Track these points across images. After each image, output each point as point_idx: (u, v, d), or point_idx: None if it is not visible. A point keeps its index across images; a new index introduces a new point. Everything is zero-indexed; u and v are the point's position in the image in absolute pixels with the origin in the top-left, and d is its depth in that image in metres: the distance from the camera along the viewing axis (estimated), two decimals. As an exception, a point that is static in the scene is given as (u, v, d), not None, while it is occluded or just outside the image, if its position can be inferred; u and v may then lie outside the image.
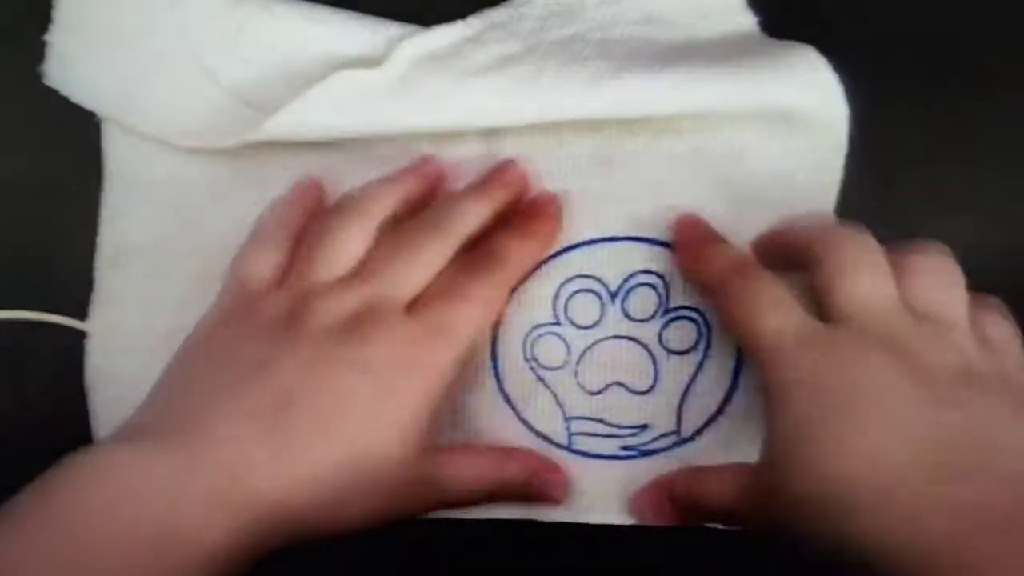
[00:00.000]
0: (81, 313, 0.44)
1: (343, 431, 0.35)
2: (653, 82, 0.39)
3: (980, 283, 0.41)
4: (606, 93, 0.39)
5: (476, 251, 0.40)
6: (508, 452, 0.40)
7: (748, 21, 0.42)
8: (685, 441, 0.41)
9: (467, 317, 0.38)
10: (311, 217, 0.40)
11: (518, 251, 0.40)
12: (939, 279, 0.35)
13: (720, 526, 0.39)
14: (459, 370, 0.38)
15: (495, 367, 0.41)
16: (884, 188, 0.43)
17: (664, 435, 0.41)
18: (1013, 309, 0.41)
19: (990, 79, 0.44)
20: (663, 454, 0.41)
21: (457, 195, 0.41)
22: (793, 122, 0.41)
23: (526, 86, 0.40)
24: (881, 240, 0.38)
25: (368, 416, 0.35)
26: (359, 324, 0.36)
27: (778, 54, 0.40)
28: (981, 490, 0.30)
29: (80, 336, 0.44)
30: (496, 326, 0.41)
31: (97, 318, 0.44)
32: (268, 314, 0.37)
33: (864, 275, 0.35)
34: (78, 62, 0.43)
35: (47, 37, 0.43)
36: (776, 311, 0.35)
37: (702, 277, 0.39)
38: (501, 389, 0.41)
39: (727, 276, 0.37)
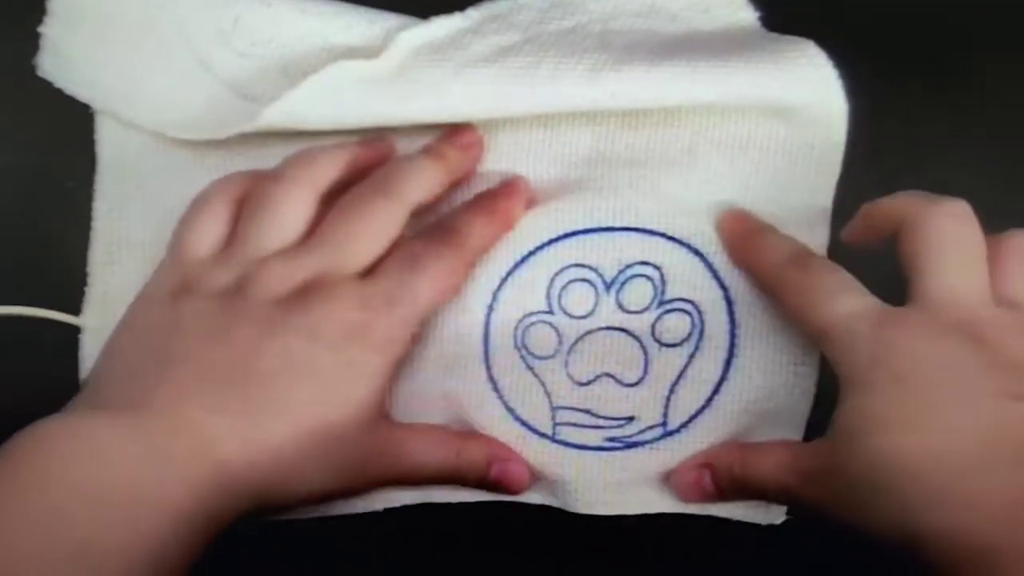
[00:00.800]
0: (76, 308, 0.44)
1: (299, 400, 0.34)
2: (652, 74, 0.39)
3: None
4: (605, 85, 0.39)
5: (436, 224, 0.39)
6: (470, 435, 0.40)
7: (749, 16, 0.42)
8: (671, 433, 0.40)
9: (423, 289, 0.37)
10: (252, 183, 0.39)
11: (480, 228, 0.39)
12: None
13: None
14: (412, 346, 0.38)
15: (485, 353, 0.41)
16: (885, 186, 0.41)
17: (650, 427, 0.40)
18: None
19: (992, 76, 0.44)
20: (648, 446, 0.40)
21: (409, 156, 0.40)
22: (792, 118, 0.41)
23: (524, 77, 0.40)
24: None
25: (323, 385, 0.35)
26: (309, 292, 0.35)
27: (779, 48, 0.40)
28: None
29: (75, 331, 0.44)
30: (488, 312, 0.41)
31: (92, 314, 0.43)
32: (214, 284, 0.36)
33: (956, 258, 0.34)
34: (73, 54, 0.43)
35: (41, 29, 0.43)
36: (846, 295, 0.35)
37: (757, 270, 0.39)
38: (490, 376, 0.40)
39: (785, 267, 0.37)
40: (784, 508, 0.41)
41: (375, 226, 0.38)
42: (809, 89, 0.40)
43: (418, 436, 0.38)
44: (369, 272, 0.37)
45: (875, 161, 0.43)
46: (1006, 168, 0.44)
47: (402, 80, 0.40)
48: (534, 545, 0.43)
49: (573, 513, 0.40)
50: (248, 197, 0.38)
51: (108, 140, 0.44)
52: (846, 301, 0.34)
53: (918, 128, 0.44)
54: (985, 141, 0.44)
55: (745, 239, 0.39)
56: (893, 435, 0.32)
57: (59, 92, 0.43)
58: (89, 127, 0.44)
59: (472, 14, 0.42)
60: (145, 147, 0.43)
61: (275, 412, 0.34)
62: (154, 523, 0.31)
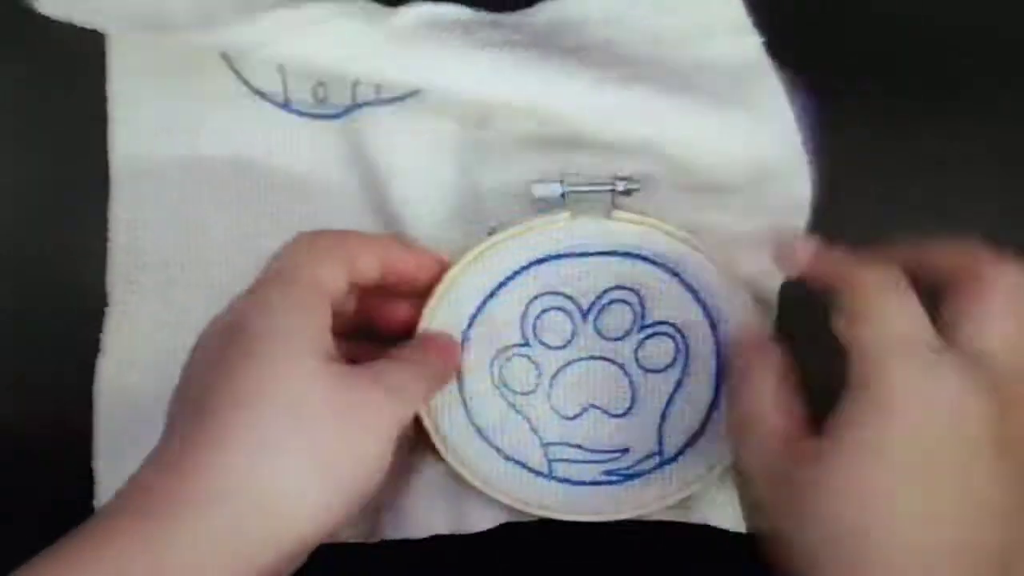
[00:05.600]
0: (81, 320, 0.42)
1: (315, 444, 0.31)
2: (651, 103, 0.39)
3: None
4: (609, 96, 0.38)
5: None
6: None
7: (753, 41, 0.42)
8: (669, 461, 0.38)
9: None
10: None
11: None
12: None
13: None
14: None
15: (462, 396, 0.38)
16: (882, 203, 0.43)
17: (647, 457, 0.38)
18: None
19: (989, 94, 0.44)
20: (646, 476, 0.38)
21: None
22: (763, 174, 0.40)
23: (529, 68, 0.38)
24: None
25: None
26: None
27: (760, 104, 0.41)
28: None
29: (93, 347, 0.42)
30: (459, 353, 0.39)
31: (111, 333, 0.42)
32: None
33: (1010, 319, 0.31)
34: None
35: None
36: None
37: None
38: (471, 420, 0.38)
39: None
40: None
41: None
42: (779, 152, 0.40)
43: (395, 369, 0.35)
44: None
45: (873, 178, 0.43)
46: (1003, 185, 0.44)
47: (405, 40, 0.39)
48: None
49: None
50: None
51: (121, 161, 0.43)
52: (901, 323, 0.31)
53: (915, 145, 0.44)
54: (982, 158, 0.44)
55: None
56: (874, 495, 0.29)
57: (67, 106, 0.43)
58: (96, 142, 0.43)
59: (483, 14, 0.41)
60: (158, 170, 0.42)
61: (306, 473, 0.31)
62: None
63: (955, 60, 0.44)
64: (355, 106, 0.42)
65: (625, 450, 0.39)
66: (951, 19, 0.44)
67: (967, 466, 0.29)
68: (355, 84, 0.42)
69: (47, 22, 0.40)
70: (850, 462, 0.29)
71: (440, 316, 0.38)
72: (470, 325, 0.38)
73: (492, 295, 0.38)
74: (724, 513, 0.39)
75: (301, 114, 0.43)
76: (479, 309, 0.38)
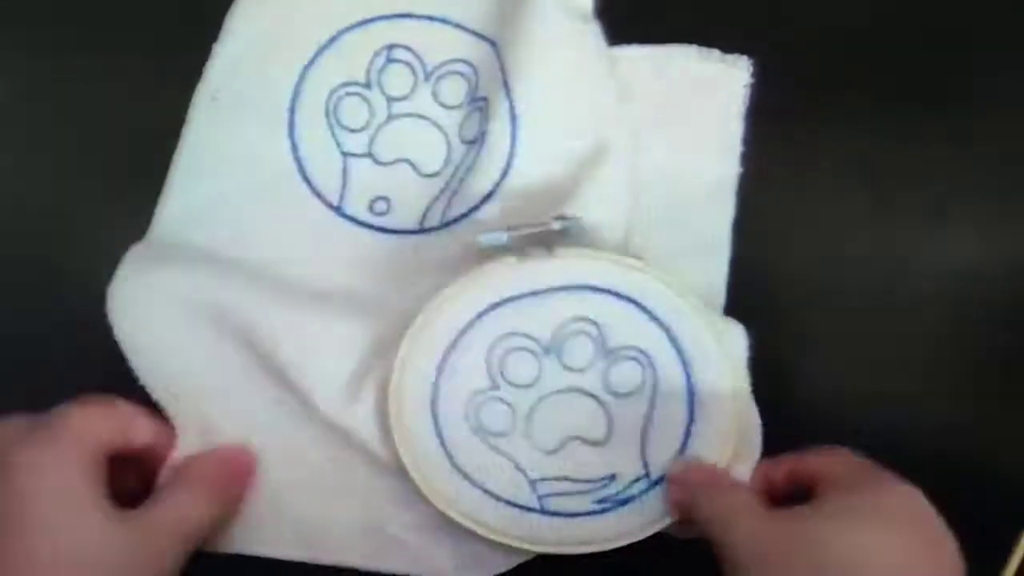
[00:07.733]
0: (77, 334, 0.43)
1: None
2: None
3: (979, 296, 0.43)
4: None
5: None
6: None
7: (732, 171, 0.43)
8: (656, 483, 0.38)
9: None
10: None
11: None
12: None
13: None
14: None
15: (444, 447, 0.38)
16: (883, 207, 0.44)
17: (634, 481, 0.38)
18: (1010, 322, 0.43)
19: (989, 98, 0.45)
20: (638, 500, 0.38)
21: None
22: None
23: None
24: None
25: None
26: None
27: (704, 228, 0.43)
28: None
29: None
30: (432, 406, 0.38)
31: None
32: None
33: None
34: None
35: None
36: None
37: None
38: (455, 465, 0.38)
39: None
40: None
41: None
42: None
43: (180, 497, 0.36)
44: None
45: (873, 183, 0.44)
46: (1003, 189, 0.44)
47: None
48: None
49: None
50: None
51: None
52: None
53: (916, 149, 0.44)
54: (982, 162, 0.44)
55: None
56: None
57: (67, 122, 0.45)
58: (94, 156, 0.44)
59: None
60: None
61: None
62: None
63: (954, 63, 0.45)
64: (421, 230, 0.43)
65: (612, 476, 0.38)
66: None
67: None
68: (427, 210, 0.43)
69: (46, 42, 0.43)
70: None
71: (405, 377, 0.38)
72: (437, 378, 0.38)
73: (453, 346, 0.38)
74: None
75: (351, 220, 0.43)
76: (443, 362, 0.38)
